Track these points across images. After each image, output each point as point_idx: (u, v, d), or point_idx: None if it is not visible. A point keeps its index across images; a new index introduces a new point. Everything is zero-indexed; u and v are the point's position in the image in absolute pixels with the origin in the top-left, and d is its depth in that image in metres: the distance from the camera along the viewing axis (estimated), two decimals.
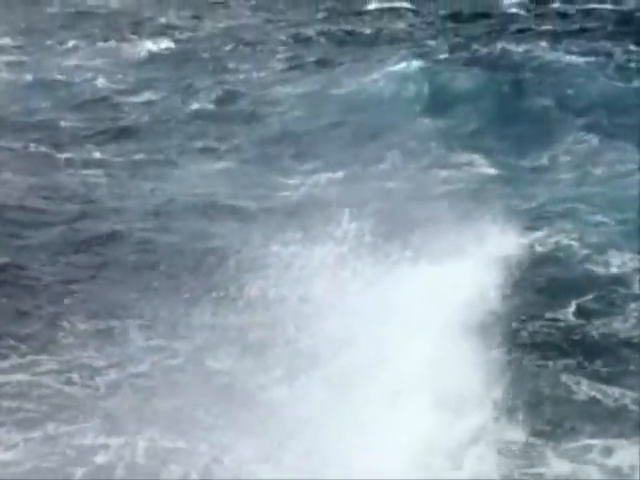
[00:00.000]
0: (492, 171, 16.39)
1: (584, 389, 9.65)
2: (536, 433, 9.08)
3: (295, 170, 16.91)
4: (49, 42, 34.30)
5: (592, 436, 8.87)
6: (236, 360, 10.22)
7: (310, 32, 37.64)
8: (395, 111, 20.52)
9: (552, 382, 9.73)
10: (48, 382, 9.80)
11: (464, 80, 21.89)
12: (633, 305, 11.33)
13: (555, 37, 35.47)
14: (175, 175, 16.65)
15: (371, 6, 41.76)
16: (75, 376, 9.84)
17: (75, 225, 14.11)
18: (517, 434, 9.10)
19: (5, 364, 10.15)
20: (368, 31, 36.30)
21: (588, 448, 8.68)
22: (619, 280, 11.88)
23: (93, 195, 15.40)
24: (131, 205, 14.76)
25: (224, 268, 12.27)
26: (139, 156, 17.80)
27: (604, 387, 9.71)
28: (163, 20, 43.03)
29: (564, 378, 9.80)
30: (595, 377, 9.83)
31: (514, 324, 10.70)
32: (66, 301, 11.54)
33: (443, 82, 21.78)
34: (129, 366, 10.11)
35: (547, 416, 9.29)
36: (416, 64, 23.06)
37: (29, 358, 10.28)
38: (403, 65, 23.36)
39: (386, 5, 41.44)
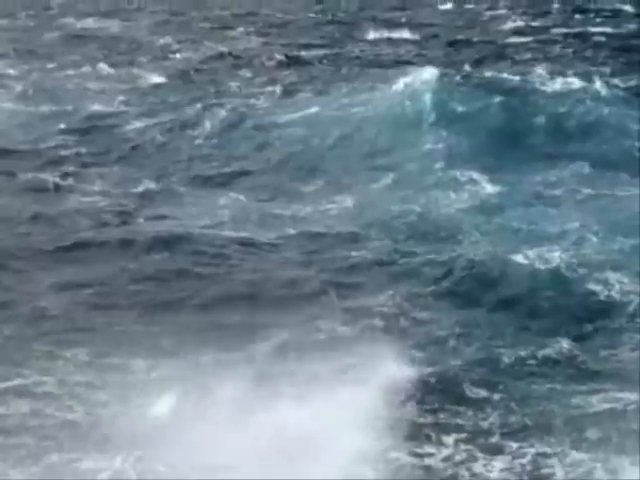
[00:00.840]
0: (489, 191, 16.47)
1: (592, 408, 9.67)
2: (544, 451, 9.11)
3: (299, 194, 16.95)
4: (50, 68, 34.43)
5: (598, 456, 8.87)
6: (241, 388, 10.24)
7: (309, 56, 37.86)
8: (395, 133, 20.64)
9: (563, 404, 9.73)
10: (50, 411, 9.76)
11: (462, 104, 22.01)
12: (634, 328, 11.34)
13: (553, 62, 35.69)
14: (179, 204, 16.61)
15: (370, 36, 42.00)
16: (76, 405, 9.81)
17: (78, 255, 14.09)
18: (524, 452, 9.13)
19: (7, 391, 10.12)
20: (368, 56, 36.48)
21: (594, 467, 8.69)
22: (619, 302, 11.92)
23: (96, 225, 15.37)
24: (135, 236, 14.73)
25: (231, 302, 12.34)
26: (143, 185, 17.75)
27: (613, 405, 9.73)
28: (163, 45, 43.30)
29: (574, 400, 9.80)
30: (603, 398, 9.84)
31: (523, 353, 10.71)
32: (69, 332, 11.53)
33: (442, 105, 21.90)
34: (130, 394, 10.11)
35: (555, 435, 9.30)
36: (415, 88, 23.17)
37: (31, 384, 10.24)
38: (403, 89, 23.48)
39: (385, 35, 41.68)
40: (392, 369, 10.25)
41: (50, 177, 18.20)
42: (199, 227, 15.02)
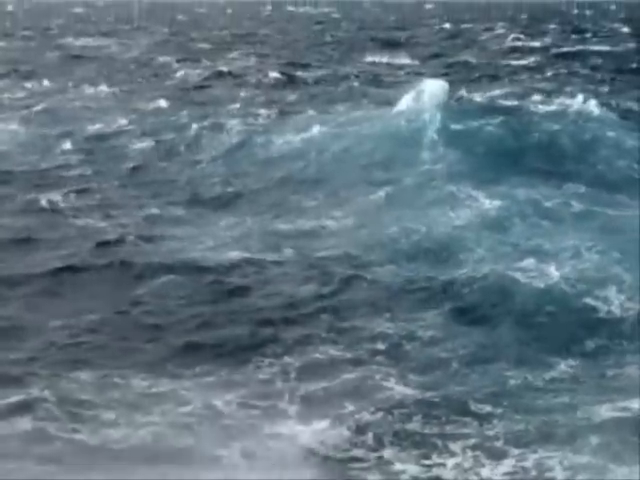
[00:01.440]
0: (487, 208, 16.61)
1: (596, 418, 9.76)
2: (547, 455, 9.24)
3: (300, 213, 17.12)
4: (51, 88, 34.62)
5: (598, 462, 9.00)
6: (243, 402, 10.30)
7: (308, 76, 38.10)
8: (394, 150, 20.79)
9: (567, 414, 9.83)
10: (52, 431, 9.73)
11: (461, 122, 22.15)
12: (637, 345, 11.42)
13: (550, 81, 35.93)
14: (181, 225, 16.64)
15: (369, 56, 42.31)
16: (81, 426, 9.79)
17: (79, 278, 14.11)
18: (528, 457, 9.26)
19: (9, 410, 10.10)
20: (367, 76, 36.72)
21: (594, 472, 8.83)
22: (620, 319, 12.02)
23: (97, 247, 15.38)
24: (136, 257, 14.74)
25: (232, 322, 12.39)
26: (144, 206, 17.79)
27: (617, 414, 9.82)
28: (162, 65, 43.54)
29: (579, 413, 9.90)
30: (608, 408, 9.94)
31: (527, 371, 10.78)
32: (71, 354, 11.54)
33: (441, 123, 22.04)
34: (134, 412, 10.13)
35: (557, 442, 9.41)
36: (414, 106, 23.34)
37: (33, 403, 10.22)
38: (402, 107, 23.66)
39: (384, 55, 42.00)
40: (395, 389, 10.33)
41: (51, 198, 18.26)
42: (200, 248, 15.07)
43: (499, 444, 9.31)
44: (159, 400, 10.17)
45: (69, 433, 9.46)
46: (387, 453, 9.12)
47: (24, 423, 9.62)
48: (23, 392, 10.17)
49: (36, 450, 9.18)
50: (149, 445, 9.31)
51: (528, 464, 8.97)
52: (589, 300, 12.29)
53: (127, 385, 10.45)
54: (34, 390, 10.17)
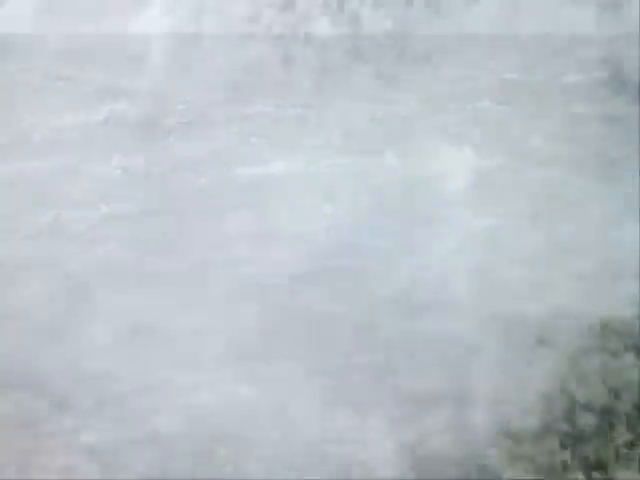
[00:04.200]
0: (479, 231, 16.77)
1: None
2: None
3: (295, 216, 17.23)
4: (57, 123, 34.99)
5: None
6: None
7: (302, 110, 38.41)
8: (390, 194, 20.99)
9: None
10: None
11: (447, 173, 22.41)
12: None
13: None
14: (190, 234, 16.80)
15: (369, 93, 42.62)
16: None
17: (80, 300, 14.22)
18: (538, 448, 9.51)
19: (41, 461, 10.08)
20: (365, 115, 36.94)
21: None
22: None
23: (95, 274, 15.44)
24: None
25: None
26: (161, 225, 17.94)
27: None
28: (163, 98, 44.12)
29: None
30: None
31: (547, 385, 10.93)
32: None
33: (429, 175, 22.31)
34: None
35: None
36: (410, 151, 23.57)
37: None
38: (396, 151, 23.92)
39: (384, 95, 42.21)
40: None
41: (54, 225, 18.38)
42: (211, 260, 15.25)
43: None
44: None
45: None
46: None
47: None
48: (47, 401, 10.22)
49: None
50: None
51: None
52: (596, 320, 12.44)
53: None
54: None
